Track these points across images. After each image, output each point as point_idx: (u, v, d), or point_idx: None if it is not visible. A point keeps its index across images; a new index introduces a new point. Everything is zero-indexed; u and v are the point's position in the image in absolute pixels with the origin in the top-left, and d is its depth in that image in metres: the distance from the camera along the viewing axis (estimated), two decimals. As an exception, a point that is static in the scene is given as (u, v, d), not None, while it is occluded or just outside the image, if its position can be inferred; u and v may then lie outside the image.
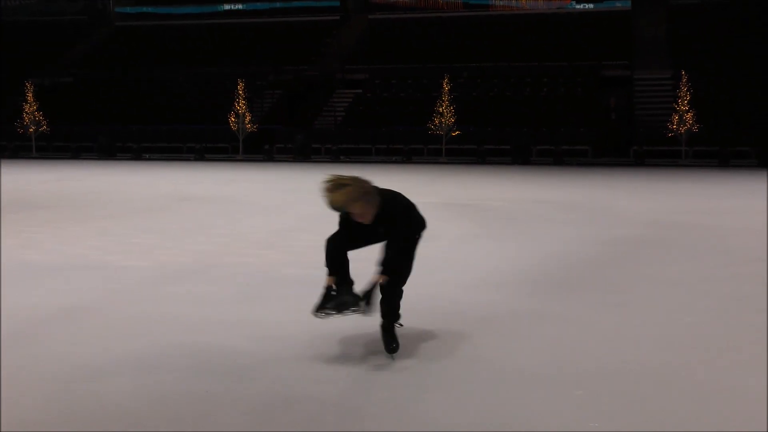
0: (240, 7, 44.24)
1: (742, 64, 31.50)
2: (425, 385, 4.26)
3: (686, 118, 27.53)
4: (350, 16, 42.06)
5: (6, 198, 14.23)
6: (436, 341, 5.07)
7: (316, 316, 4.63)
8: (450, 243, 9.01)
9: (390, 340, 4.70)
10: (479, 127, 30.29)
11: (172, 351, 4.88)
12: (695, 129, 27.49)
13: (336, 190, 4.36)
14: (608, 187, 18.14)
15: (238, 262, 8.08)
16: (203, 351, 4.87)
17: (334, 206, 4.40)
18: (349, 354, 4.73)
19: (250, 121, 31.61)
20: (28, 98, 33.28)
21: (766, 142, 26.35)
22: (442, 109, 29.47)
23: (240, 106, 31.40)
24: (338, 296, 4.57)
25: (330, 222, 4.95)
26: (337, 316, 4.62)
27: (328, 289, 4.60)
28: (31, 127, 32.92)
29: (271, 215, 12.29)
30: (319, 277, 7.01)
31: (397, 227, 4.55)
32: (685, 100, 27.75)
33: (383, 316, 4.72)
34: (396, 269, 4.56)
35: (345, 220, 4.61)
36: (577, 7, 39.45)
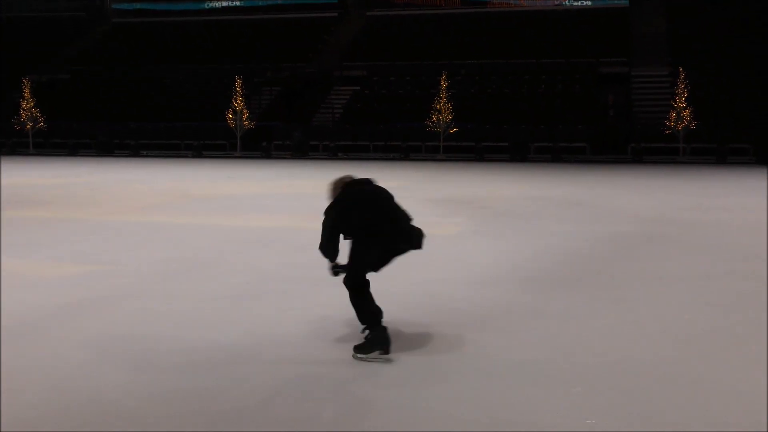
0: (237, 3, 44.18)
1: (740, 61, 31.52)
2: (424, 381, 4.26)
3: (684, 115, 27.54)
4: (348, 13, 42.03)
5: (3, 195, 14.21)
6: (434, 337, 5.07)
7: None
8: (448, 240, 9.01)
9: (372, 344, 4.67)
10: (477, 124, 30.29)
11: (169, 348, 4.88)
12: (693, 126, 27.51)
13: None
14: (606, 184, 18.15)
15: (236, 259, 8.08)
16: (201, 348, 4.87)
17: None
18: (346, 351, 4.73)
19: (248, 118, 31.59)
20: (26, 95, 33.24)
21: (763, 138, 26.37)
22: (440, 106, 29.46)
23: (238, 103, 31.38)
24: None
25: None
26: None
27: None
28: (28, 124, 32.88)
29: (268, 212, 12.28)
30: (316, 275, 7.02)
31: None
32: (683, 97, 27.77)
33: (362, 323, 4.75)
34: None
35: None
36: (575, 3, 39.45)
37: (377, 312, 4.70)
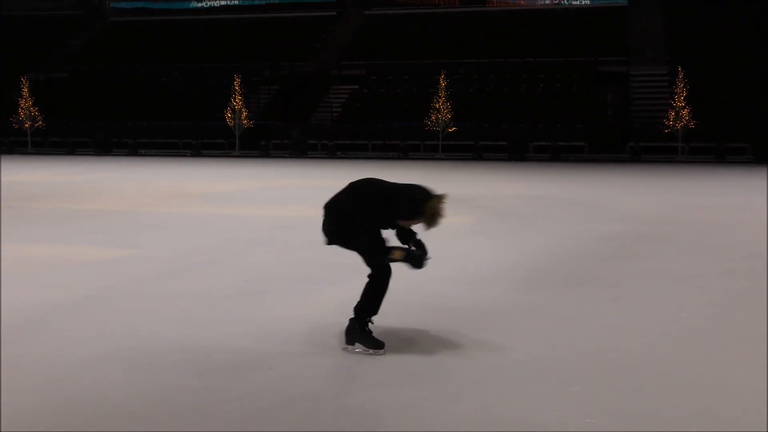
0: (236, 2, 44.16)
1: (739, 60, 31.54)
2: (422, 381, 4.25)
3: (682, 114, 27.56)
4: (347, 12, 42.01)
5: (1, 193, 14.19)
6: (432, 337, 5.06)
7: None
8: (446, 239, 9.00)
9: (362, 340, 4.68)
10: (476, 123, 30.30)
11: (170, 347, 4.87)
12: (691, 125, 27.53)
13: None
14: (604, 183, 18.15)
15: (236, 258, 8.07)
16: (201, 348, 4.86)
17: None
18: (344, 351, 4.72)
19: (247, 117, 31.59)
20: (24, 94, 33.22)
21: (762, 138, 26.39)
22: (439, 105, 29.47)
23: (236, 102, 31.37)
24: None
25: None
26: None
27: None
28: (26, 123, 32.86)
29: (267, 211, 12.27)
30: (316, 274, 7.00)
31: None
32: (682, 96, 27.78)
33: (357, 312, 4.71)
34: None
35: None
36: (574, 3, 39.47)
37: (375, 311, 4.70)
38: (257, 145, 31.26)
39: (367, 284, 4.69)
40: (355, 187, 4.67)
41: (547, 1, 39.84)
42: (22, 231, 9.78)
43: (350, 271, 4.75)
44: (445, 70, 31.28)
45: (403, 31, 38.74)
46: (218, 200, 13.80)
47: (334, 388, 4.19)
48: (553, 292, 6.46)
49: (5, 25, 42.99)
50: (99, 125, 33.31)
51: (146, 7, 45.07)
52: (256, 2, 43.64)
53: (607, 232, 9.89)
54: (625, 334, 5.20)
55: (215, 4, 44.19)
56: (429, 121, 29.52)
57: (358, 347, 4.67)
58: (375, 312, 4.71)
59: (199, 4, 44.22)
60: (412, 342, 4.92)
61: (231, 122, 31.38)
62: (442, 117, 29.32)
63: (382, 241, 4.61)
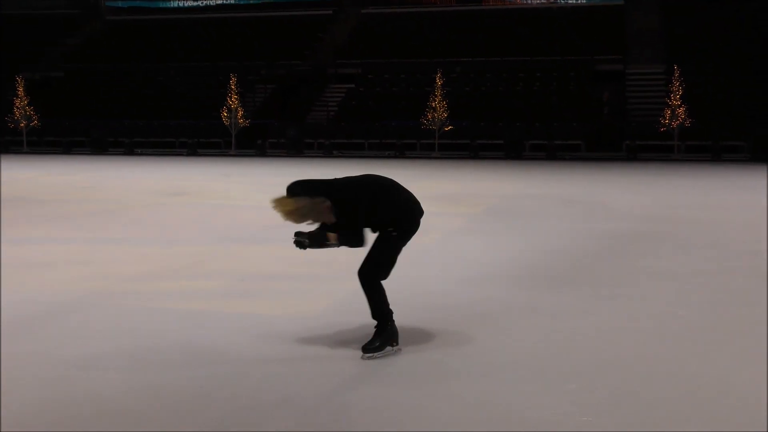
0: (232, 1, 44.09)
1: (735, 58, 31.59)
2: (419, 379, 4.25)
3: (679, 112, 27.59)
4: (343, 11, 41.98)
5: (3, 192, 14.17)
6: (429, 335, 5.06)
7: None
8: (443, 237, 9.00)
9: (376, 339, 4.66)
10: (472, 121, 30.31)
11: (167, 346, 4.86)
12: (688, 123, 27.56)
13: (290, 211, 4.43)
14: (601, 182, 18.17)
15: (231, 257, 8.06)
16: (196, 347, 4.85)
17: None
18: (342, 350, 4.72)
19: (243, 116, 31.55)
20: (19, 92, 33.14)
21: (758, 136, 26.43)
22: (435, 104, 29.47)
23: (232, 101, 31.33)
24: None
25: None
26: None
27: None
28: (22, 122, 32.79)
29: (263, 210, 12.24)
30: (311, 273, 7.00)
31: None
32: (678, 94, 27.81)
33: (373, 317, 4.71)
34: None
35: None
36: (570, 1, 39.47)
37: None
38: (254, 144, 31.23)
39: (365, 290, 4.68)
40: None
41: (543, 0, 39.85)
42: (18, 230, 9.75)
43: (348, 269, 4.74)
44: (441, 68, 31.28)
45: (399, 29, 38.73)
46: (214, 199, 13.79)
47: (330, 387, 4.18)
48: (549, 290, 6.46)
49: (1, 23, 42.89)
50: (95, 124, 33.25)
51: (142, 6, 44.99)
52: (252, 1, 43.58)
53: (604, 230, 9.90)
54: (622, 332, 5.20)
55: (211, 3, 44.13)
56: (425, 119, 29.52)
57: (386, 350, 4.64)
58: (389, 308, 4.70)
59: (195, 3, 44.15)
60: (409, 340, 4.91)
61: (227, 121, 31.34)
62: (438, 115, 29.32)
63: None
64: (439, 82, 29.91)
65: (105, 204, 12.91)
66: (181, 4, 44.48)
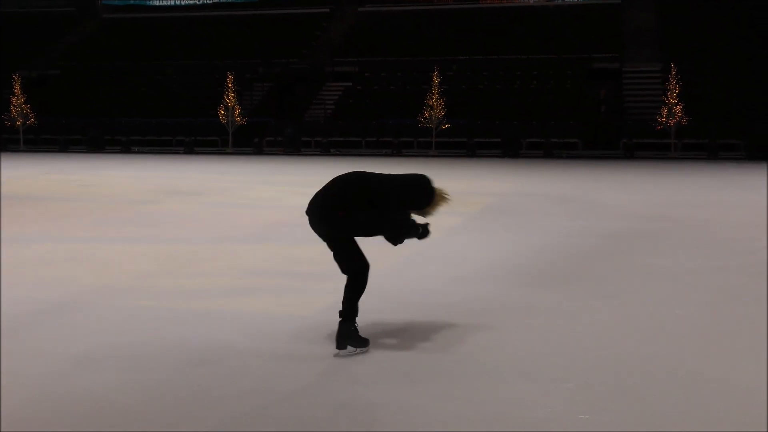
0: (229, -1, 43.99)
1: (732, 56, 31.60)
2: (416, 378, 4.26)
3: (675, 110, 27.59)
4: (340, 9, 41.92)
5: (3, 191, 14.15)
6: (426, 334, 5.06)
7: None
8: (440, 236, 9.01)
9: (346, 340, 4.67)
10: (469, 119, 30.29)
11: (163, 344, 4.87)
12: (684, 122, 27.56)
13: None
14: (598, 180, 18.18)
15: (229, 256, 8.06)
16: (195, 346, 4.85)
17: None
18: (338, 355, 4.72)
19: (240, 114, 31.49)
20: (16, 91, 33.05)
21: (755, 134, 26.45)
22: (432, 102, 29.44)
23: (229, 99, 31.28)
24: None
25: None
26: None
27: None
28: (18, 120, 32.70)
29: (261, 209, 12.26)
30: (310, 271, 7.00)
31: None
32: (675, 92, 27.82)
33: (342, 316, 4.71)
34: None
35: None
36: (567, -1, 39.45)
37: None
38: (250, 143, 31.16)
39: (349, 283, 4.67)
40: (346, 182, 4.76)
41: (540, -2, 39.81)
42: (16, 229, 9.74)
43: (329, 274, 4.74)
44: (438, 66, 31.23)
45: (396, 27, 38.67)
46: (211, 197, 13.78)
47: (328, 386, 4.19)
48: (546, 288, 6.48)
49: (-3, 21, 42.78)
50: (91, 122, 33.16)
51: (139, 4, 44.89)
52: (249, -1, 43.49)
53: (601, 228, 9.91)
54: (619, 331, 5.22)
55: (208, 1, 44.04)
56: (422, 117, 29.49)
57: (350, 349, 4.65)
58: (357, 312, 4.70)
59: (192, 1, 44.05)
60: (406, 339, 4.92)
61: (224, 119, 31.28)
62: (435, 114, 29.29)
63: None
64: (436, 81, 29.89)
65: (102, 202, 12.89)
66: (177, 2, 44.37)
